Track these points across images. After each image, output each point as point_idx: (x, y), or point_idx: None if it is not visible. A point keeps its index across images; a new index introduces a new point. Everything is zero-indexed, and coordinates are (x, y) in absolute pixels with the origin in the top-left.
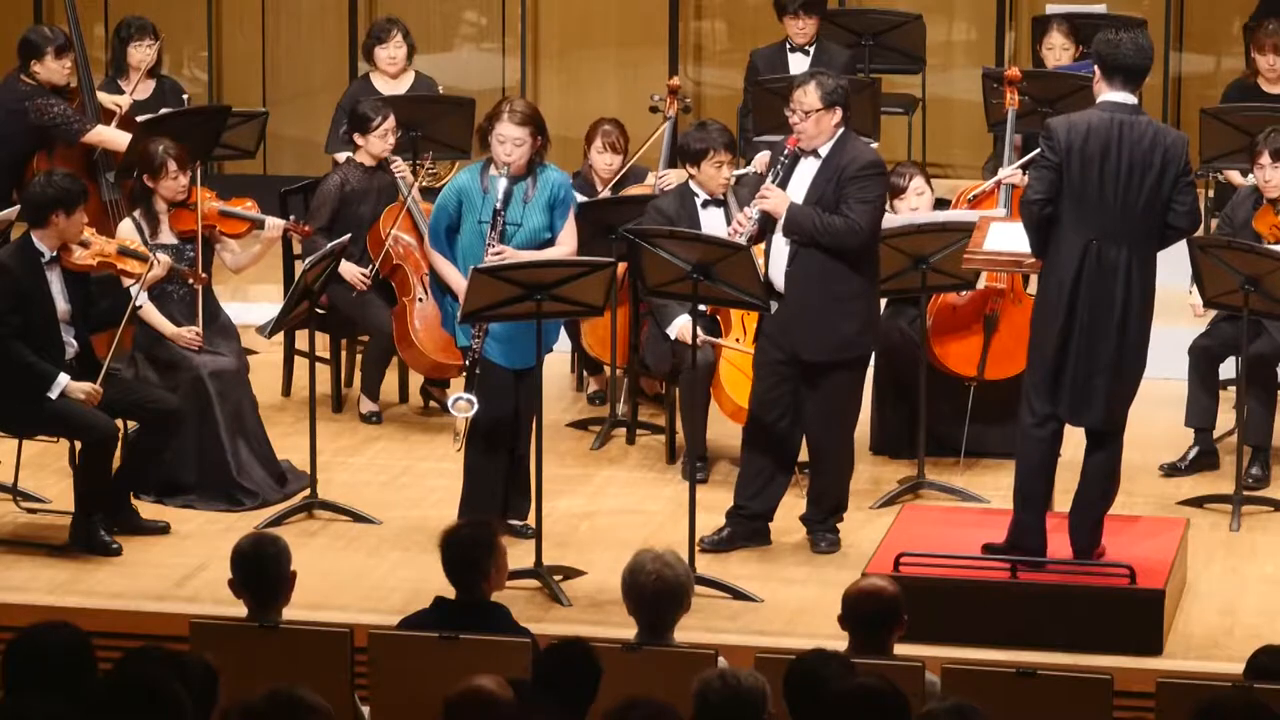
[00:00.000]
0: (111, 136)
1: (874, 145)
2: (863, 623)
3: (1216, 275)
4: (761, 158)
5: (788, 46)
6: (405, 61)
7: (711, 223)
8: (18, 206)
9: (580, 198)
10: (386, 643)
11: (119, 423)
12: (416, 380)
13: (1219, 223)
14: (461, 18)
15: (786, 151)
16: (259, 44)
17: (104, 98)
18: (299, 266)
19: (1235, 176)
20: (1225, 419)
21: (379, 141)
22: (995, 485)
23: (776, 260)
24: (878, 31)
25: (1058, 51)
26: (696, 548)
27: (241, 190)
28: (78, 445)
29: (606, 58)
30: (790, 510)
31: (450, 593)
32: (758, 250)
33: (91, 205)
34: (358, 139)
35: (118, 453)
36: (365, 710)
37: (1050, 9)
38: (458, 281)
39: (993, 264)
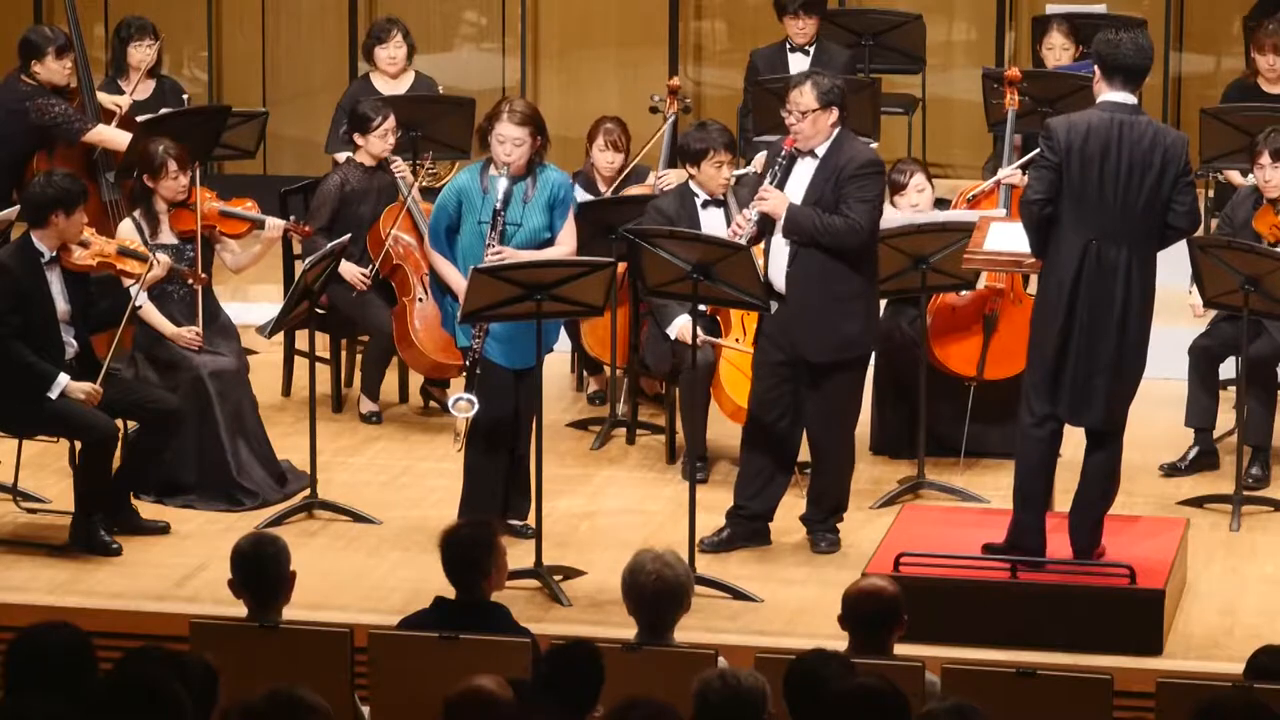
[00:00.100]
0: (112, 136)
1: (874, 145)
2: (863, 623)
3: (1216, 275)
4: (761, 158)
5: (788, 46)
6: (405, 61)
7: (711, 223)
8: (18, 206)
9: (585, 195)
10: (386, 643)
11: (119, 423)
12: (416, 380)
13: (1219, 223)
14: (461, 18)
15: (784, 152)
16: (259, 44)
17: (104, 98)
18: (299, 266)
19: (1235, 176)
20: (1225, 419)
21: (379, 141)
22: (995, 485)
23: (776, 261)
24: (878, 31)
25: (1058, 51)
26: (696, 548)
27: (241, 190)
28: (78, 445)
29: (606, 58)
30: (790, 510)
31: (450, 593)
32: (757, 251)
33: (91, 205)
34: (358, 139)
35: (118, 453)
36: (365, 710)
37: (1050, 9)
38: (458, 281)
39: (993, 264)
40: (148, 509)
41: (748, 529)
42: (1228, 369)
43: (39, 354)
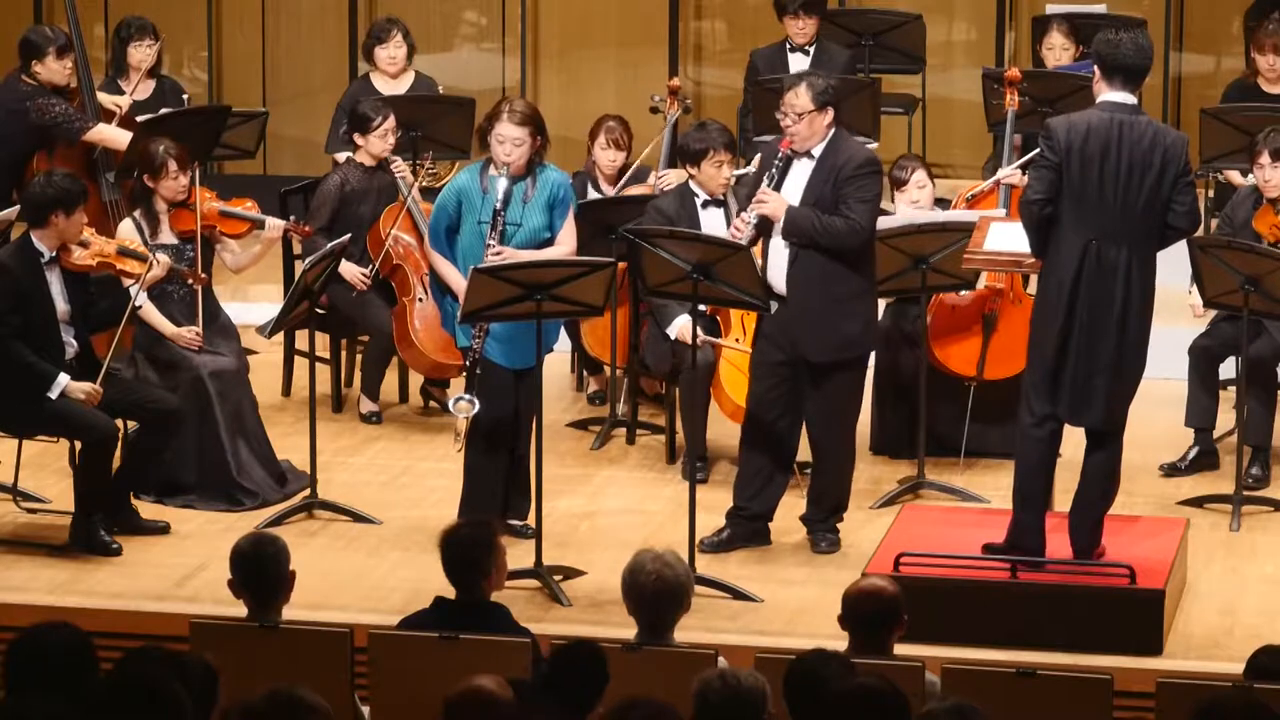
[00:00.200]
0: (113, 135)
1: (874, 146)
2: (863, 623)
3: (1216, 275)
4: (757, 160)
5: (788, 46)
6: (405, 61)
7: (711, 223)
8: (18, 206)
9: (591, 194)
10: (386, 643)
11: (119, 423)
12: (416, 380)
13: (1219, 223)
14: (461, 18)
15: (780, 154)
16: (259, 44)
17: (104, 98)
18: (299, 266)
19: (1235, 176)
20: (1225, 419)
21: (379, 141)
22: (995, 485)
23: (775, 262)
24: (878, 31)
25: (1058, 51)
26: (696, 548)
27: (241, 190)
28: (78, 445)
29: (606, 58)
30: (790, 510)
31: (450, 593)
32: (756, 252)
33: (91, 205)
34: (358, 139)
35: (118, 453)
36: (365, 710)
37: (1050, 9)
38: (458, 282)
39: (993, 264)
40: (148, 509)
41: (748, 529)
42: (1228, 369)
43: (39, 354)
